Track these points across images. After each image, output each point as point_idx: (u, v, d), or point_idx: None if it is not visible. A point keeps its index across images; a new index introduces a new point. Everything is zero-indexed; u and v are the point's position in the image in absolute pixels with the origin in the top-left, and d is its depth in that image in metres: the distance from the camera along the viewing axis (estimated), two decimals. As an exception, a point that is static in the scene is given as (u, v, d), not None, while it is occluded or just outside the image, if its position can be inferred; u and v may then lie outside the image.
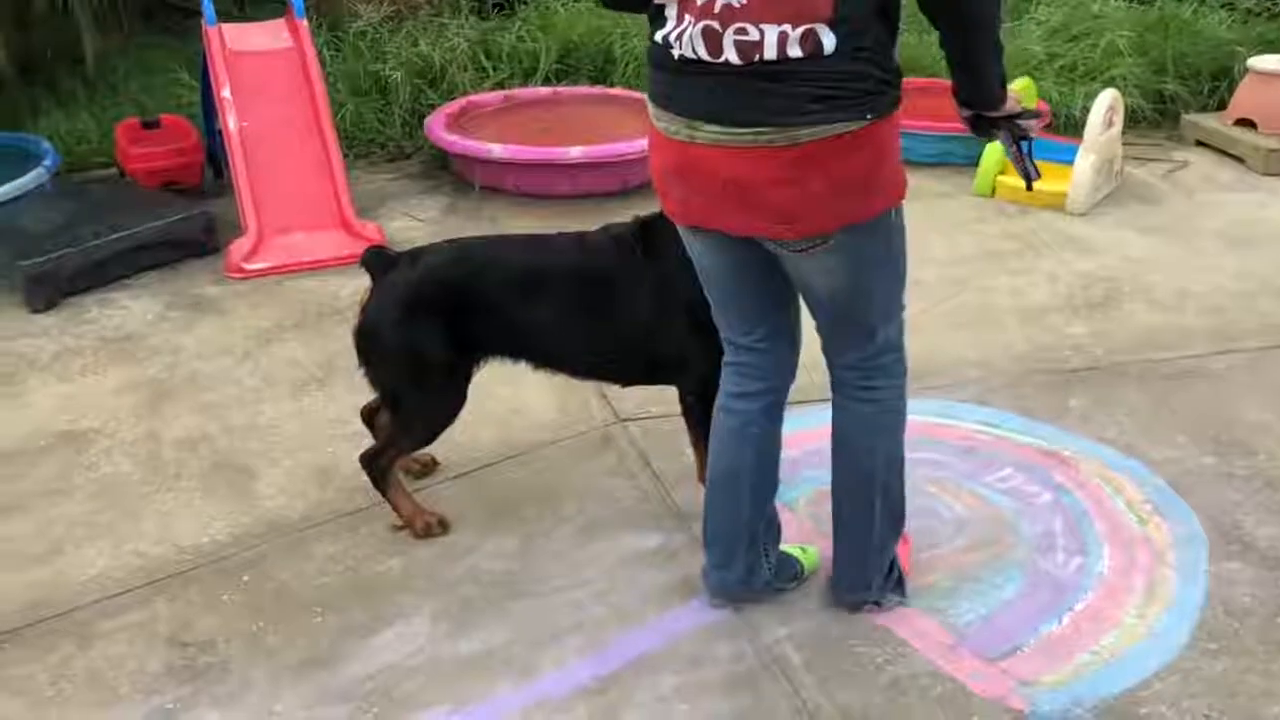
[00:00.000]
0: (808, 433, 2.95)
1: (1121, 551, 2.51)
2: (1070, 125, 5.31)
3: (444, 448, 2.83)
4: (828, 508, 2.64)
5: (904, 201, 1.99)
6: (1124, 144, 4.87)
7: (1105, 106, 4.57)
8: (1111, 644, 2.24)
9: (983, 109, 1.98)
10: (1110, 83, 5.34)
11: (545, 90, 5.64)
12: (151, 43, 6.16)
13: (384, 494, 2.57)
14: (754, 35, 1.75)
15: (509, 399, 2.54)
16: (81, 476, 2.89)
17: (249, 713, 2.12)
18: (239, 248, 4.09)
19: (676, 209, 2.01)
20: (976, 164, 4.79)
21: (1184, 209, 4.65)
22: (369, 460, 2.56)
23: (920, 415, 3.04)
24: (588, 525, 2.64)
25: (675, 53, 1.84)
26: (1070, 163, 4.58)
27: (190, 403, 3.23)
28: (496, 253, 2.56)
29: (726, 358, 2.21)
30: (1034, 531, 2.58)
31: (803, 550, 2.43)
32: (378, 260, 2.50)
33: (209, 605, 2.41)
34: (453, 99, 5.38)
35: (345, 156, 4.50)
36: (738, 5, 1.75)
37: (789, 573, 2.37)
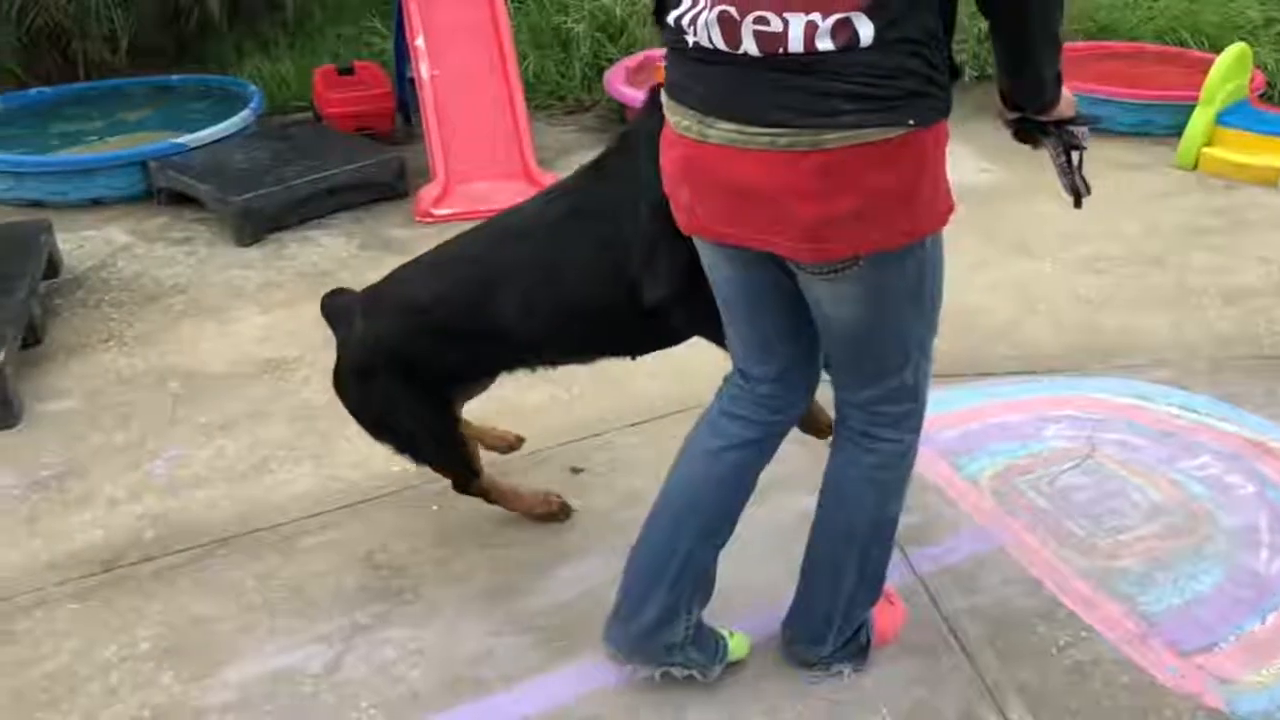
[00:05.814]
0: (993, 405, 2.89)
1: (1334, 553, 2.36)
2: (1288, 96, 4.93)
3: (615, 399, 2.88)
4: (1014, 483, 2.59)
5: (946, 227, 1.72)
6: (1351, 117, 4.49)
7: (1333, 76, 4.22)
8: (1320, 649, 2.11)
9: (1035, 112, 1.73)
10: (1339, 50, 4.93)
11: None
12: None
13: (495, 504, 2.49)
14: (776, 26, 1.49)
15: (677, 354, 2.54)
16: (283, 402, 3.08)
17: (437, 634, 2.24)
18: (428, 193, 4.24)
19: (683, 217, 1.75)
20: (1179, 135, 4.51)
21: None
22: (461, 492, 2.45)
23: (1114, 395, 2.93)
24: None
25: (689, 39, 1.59)
26: (1288, 136, 4.27)
27: (381, 339, 3.38)
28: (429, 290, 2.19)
29: (732, 378, 1.98)
30: (1235, 524, 2.44)
31: (731, 634, 2.09)
32: (333, 309, 2.31)
33: (400, 530, 2.54)
34: (632, 53, 5.41)
35: (527, 108, 4.59)
36: None
37: (709, 650, 2.02)
